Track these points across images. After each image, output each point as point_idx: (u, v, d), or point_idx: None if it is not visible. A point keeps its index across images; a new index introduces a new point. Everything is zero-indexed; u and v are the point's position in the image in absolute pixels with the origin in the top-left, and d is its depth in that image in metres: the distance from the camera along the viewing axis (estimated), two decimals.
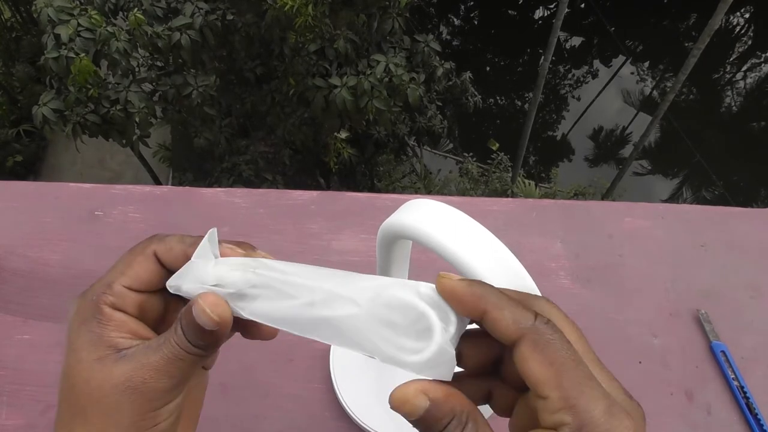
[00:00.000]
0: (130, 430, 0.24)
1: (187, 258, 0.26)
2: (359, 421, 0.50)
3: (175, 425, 0.26)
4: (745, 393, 0.52)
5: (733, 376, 0.53)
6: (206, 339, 0.25)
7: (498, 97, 8.13)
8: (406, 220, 0.30)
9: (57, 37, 3.64)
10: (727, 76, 8.25)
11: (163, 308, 0.29)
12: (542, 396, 0.22)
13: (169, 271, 0.27)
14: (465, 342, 0.25)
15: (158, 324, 0.29)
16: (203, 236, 0.27)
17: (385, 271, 0.38)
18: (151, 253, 0.27)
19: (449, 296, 0.24)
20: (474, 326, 0.25)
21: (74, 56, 3.61)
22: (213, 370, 0.53)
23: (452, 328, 0.23)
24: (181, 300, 0.27)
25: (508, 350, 0.23)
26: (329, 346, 0.52)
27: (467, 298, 0.23)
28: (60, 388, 0.26)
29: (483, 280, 0.25)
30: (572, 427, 0.21)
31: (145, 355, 0.25)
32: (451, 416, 0.23)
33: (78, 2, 3.88)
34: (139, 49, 4.05)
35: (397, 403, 0.23)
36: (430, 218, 0.29)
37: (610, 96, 7.88)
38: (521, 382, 0.23)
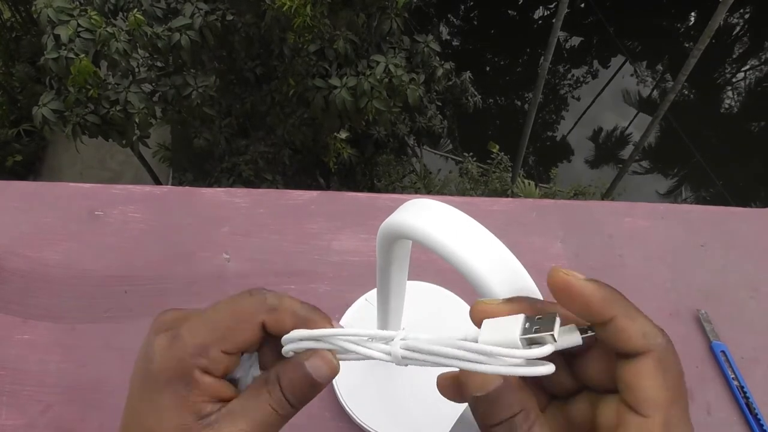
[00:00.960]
0: None
1: (298, 326, 0.25)
2: (359, 421, 0.50)
3: None
4: (745, 393, 0.52)
5: (733, 376, 0.53)
6: (309, 395, 0.25)
7: (498, 97, 8.13)
8: (406, 220, 0.30)
9: (57, 37, 3.64)
10: (727, 76, 8.26)
11: (238, 360, 0.28)
12: (643, 414, 0.21)
13: (270, 336, 0.26)
14: None
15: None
16: (316, 308, 0.27)
17: (385, 272, 0.38)
18: (258, 323, 0.25)
19: (572, 295, 0.22)
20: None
21: (74, 57, 3.61)
22: None
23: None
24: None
25: (596, 350, 0.23)
26: None
27: (596, 301, 0.22)
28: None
29: (485, 281, 0.25)
30: None
31: (232, 424, 0.23)
32: (520, 408, 0.21)
33: (78, 3, 3.88)
34: (138, 49, 4.04)
35: (469, 373, 0.22)
36: (430, 218, 0.29)
37: (609, 96, 7.88)
38: (593, 383, 0.23)
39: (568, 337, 0.22)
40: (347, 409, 0.50)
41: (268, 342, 0.27)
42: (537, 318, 0.22)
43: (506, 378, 0.22)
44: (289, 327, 0.25)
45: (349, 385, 0.51)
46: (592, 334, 0.22)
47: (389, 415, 0.50)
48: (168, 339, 0.24)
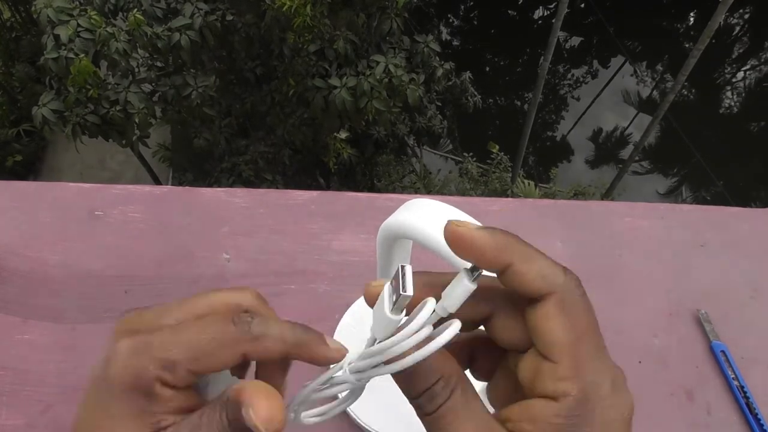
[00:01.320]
0: None
1: (284, 355, 0.23)
2: (360, 422, 0.50)
3: None
4: (745, 393, 0.52)
5: (733, 376, 0.53)
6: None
7: (498, 97, 8.13)
8: (405, 220, 0.30)
9: (56, 37, 3.64)
10: (727, 76, 8.26)
11: None
12: (552, 360, 0.20)
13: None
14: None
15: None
16: (308, 328, 0.24)
17: (386, 271, 0.38)
18: (239, 353, 0.23)
19: (464, 246, 0.21)
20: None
21: (74, 57, 3.61)
22: None
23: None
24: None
25: (505, 307, 0.22)
26: None
27: (489, 249, 0.21)
28: None
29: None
30: (576, 398, 0.20)
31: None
32: (439, 376, 0.21)
33: (78, 3, 3.88)
34: (138, 49, 4.04)
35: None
36: (429, 218, 0.29)
37: (609, 96, 7.89)
38: (508, 344, 0.23)
39: (460, 288, 0.21)
40: (348, 409, 0.50)
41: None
42: (393, 282, 0.21)
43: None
44: (276, 355, 0.23)
45: None
46: (479, 272, 0.21)
47: (390, 416, 0.50)
48: (132, 345, 0.22)
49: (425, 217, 0.29)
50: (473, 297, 0.21)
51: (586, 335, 0.21)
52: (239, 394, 0.21)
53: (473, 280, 0.21)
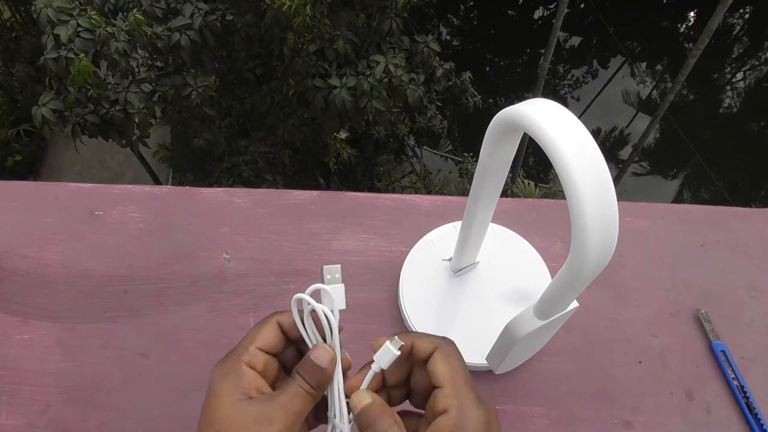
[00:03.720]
0: None
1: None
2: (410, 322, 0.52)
3: None
4: (745, 393, 0.52)
5: (733, 376, 0.53)
6: (318, 377, 0.34)
7: (498, 98, 8.13)
8: (526, 111, 0.33)
9: (56, 37, 3.64)
10: (727, 76, 8.26)
11: (277, 373, 0.37)
12: (440, 386, 0.33)
13: (287, 337, 0.36)
14: (390, 369, 0.35)
15: (272, 384, 0.37)
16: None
17: (484, 173, 0.42)
18: (275, 322, 0.36)
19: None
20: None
21: (73, 57, 3.61)
22: None
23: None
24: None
25: (418, 367, 0.35)
26: None
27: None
28: (201, 422, 0.34)
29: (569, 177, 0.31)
30: (457, 406, 0.31)
31: (271, 397, 0.33)
32: (393, 420, 0.32)
33: (77, 3, 3.88)
34: (138, 49, 4.04)
35: (349, 392, 0.35)
36: (547, 115, 0.32)
37: (609, 96, 7.88)
38: (422, 388, 0.35)
39: (389, 354, 0.35)
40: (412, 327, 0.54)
41: (289, 346, 0.37)
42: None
43: (376, 399, 0.34)
44: (294, 321, 0.36)
45: (416, 305, 0.56)
46: (401, 344, 0.35)
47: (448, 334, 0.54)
48: (225, 356, 0.35)
49: (544, 113, 0.32)
50: (398, 362, 0.35)
51: (457, 370, 0.33)
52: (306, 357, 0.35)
53: (398, 349, 0.34)
